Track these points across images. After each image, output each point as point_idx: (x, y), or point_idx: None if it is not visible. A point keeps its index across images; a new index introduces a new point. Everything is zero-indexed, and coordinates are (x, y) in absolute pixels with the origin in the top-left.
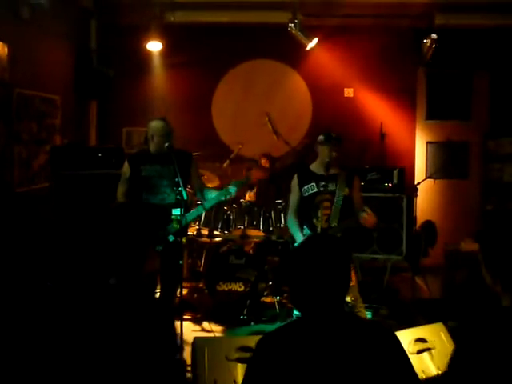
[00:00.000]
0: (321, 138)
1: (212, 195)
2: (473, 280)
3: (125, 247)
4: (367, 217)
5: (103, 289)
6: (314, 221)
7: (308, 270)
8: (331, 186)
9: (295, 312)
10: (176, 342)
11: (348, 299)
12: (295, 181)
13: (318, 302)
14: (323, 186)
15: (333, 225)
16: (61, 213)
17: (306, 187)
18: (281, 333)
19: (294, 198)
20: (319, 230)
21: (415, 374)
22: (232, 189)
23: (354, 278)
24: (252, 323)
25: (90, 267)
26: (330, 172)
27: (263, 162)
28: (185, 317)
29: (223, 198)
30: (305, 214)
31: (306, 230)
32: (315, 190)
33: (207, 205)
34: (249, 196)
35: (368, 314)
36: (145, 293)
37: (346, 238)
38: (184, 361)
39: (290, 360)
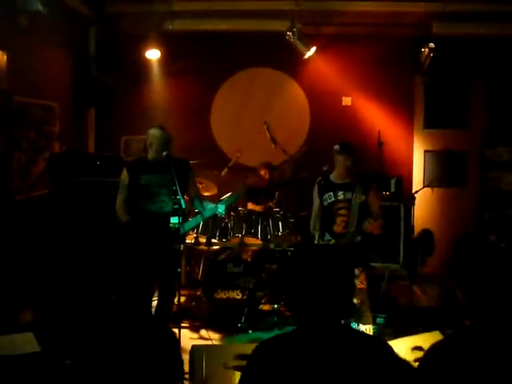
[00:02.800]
0: (336, 147)
1: (208, 207)
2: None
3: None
4: (369, 226)
5: (104, 304)
6: (334, 227)
7: (304, 281)
8: (348, 195)
9: None
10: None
11: (354, 301)
12: (316, 190)
13: (314, 312)
14: (341, 194)
15: (350, 231)
16: (59, 220)
17: (325, 196)
18: (277, 341)
19: (315, 205)
20: (334, 234)
21: None
22: (220, 208)
23: (364, 282)
24: (250, 331)
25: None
26: (346, 180)
27: (263, 172)
28: (183, 324)
29: (216, 211)
30: (325, 222)
31: (328, 237)
32: (332, 199)
33: (206, 214)
34: (252, 206)
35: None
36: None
37: (366, 243)
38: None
39: (284, 368)
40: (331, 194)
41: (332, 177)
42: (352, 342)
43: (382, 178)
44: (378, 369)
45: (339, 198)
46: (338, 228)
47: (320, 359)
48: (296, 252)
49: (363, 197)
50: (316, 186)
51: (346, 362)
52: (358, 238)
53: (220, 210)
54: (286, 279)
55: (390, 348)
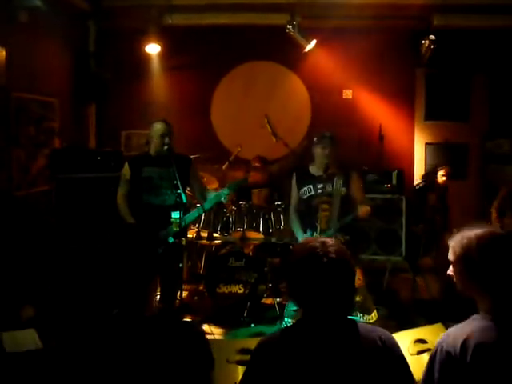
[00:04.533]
0: (315, 138)
1: (210, 197)
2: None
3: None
4: (363, 209)
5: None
6: (318, 224)
7: (307, 274)
8: (328, 188)
9: (286, 319)
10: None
11: (357, 299)
12: (294, 180)
13: (318, 306)
14: (321, 188)
15: (332, 226)
16: (60, 216)
17: (303, 189)
18: (280, 336)
19: (293, 196)
20: (318, 231)
21: (413, 379)
22: (225, 191)
23: (361, 277)
24: (252, 325)
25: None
26: (327, 172)
27: (253, 162)
28: (185, 319)
29: (220, 199)
30: (306, 217)
31: (310, 233)
32: (312, 192)
33: (206, 206)
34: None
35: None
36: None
37: (352, 240)
38: None
39: (288, 363)
40: (310, 186)
41: (311, 168)
42: (356, 335)
43: (383, 170)
44: (383, 363)
45: (319, 191)
46: (322, 225)
47: (323, 353)
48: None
49: (344, 189)
50: (294, 175)
51: (350, 355)
52: (347, 238)
53: (225, 193)
54: (288, 273)
55: (395, 341)
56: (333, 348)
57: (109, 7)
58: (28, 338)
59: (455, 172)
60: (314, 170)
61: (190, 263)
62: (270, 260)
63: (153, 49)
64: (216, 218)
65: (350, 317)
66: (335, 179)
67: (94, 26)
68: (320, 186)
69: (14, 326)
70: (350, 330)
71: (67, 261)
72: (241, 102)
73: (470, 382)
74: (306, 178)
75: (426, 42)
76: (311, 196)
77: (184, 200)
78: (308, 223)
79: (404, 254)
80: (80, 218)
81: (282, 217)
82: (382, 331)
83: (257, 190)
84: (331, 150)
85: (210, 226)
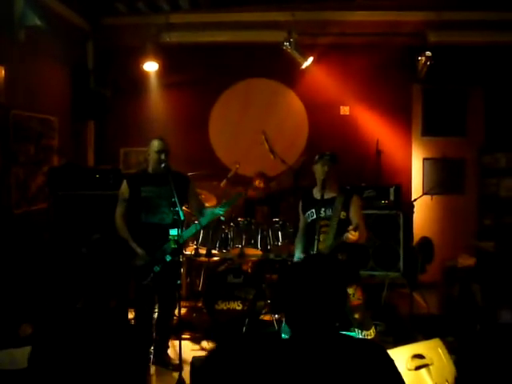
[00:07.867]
0: (315, 157)
1: (207, 212)
2: (467, 295)
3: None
4: (350, 236)
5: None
6: (319, 245)
7: (298, 290)
8: (328, 212)
9: (283, 336)
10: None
11: (356, 316)
12: (300, 207)
13: (309, 322)
14: (322, 211)
15: (327, 245)
16: (59, 234)
17: (307, 213)
18: (272, 351)
19: (301, 221)
20: (315, 250)
21: None
22: (222, 208)
23: (361, 296)
24: None
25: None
26: (326, 192)
27: (257, 182)
28: (184, 336)
29: (217, 216)
30: (310, 238)
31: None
32: (314, 216)
33: (203, 222)
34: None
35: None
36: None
37: (352, 258)
38: (183, 380)
39: (281, 379)
40: (313, 210)
41: (314, 191)
42: (347, 348)
43: (380, 186)
44: (374, 375)
45: (321, 215)
46: (322, 245)
47: (315, 367)
48: (292, 262)
49: (344, 213)
50: (300, 202)
51: (340, 369)
52: (344, 256)
53: (220, 211)
54: (280, 289)
55: (386, 353)
56: (323, 363)
57: (107, 26)
58: (25, 356)
59: (452, 186)
60: (316, 192)
61: (188, 280)
62: (268, 276)
63: (151, 66)
64: (214, 234)
65: (346, 332)
66: (336, 203)
67: (93, 44)
68: (322, 209)
69: (11, 343)
70: (339, 345)
71: (66, 278)
72: (238, 119)
73: None
74: (309, 203)
75: (422, 59)
76: (314, 219)
77: (182, 217)
78: (311, 245)
79: (402, 269)
80: (78, 236)
81: (280, 233)
82: (375, 346)
83: (260, 206)
84: (330, 168)
85: (209, 242)
